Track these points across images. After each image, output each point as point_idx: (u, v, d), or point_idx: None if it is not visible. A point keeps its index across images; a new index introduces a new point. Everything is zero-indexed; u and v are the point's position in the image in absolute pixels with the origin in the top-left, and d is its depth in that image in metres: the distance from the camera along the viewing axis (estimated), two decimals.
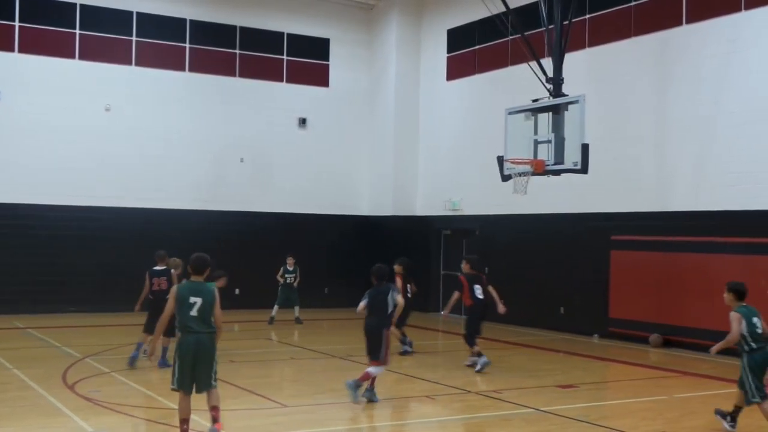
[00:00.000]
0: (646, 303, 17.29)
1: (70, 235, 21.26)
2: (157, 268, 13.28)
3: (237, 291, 20.95)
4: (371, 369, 10.78)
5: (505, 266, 20.88)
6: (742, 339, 8.99)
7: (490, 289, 14.06)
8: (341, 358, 14.71)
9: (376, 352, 10.79)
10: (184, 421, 8.05)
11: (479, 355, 13.50)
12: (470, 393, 11.57)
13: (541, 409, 10.47)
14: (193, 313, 7.99)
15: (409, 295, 15.01)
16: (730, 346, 9.21)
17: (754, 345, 8.96)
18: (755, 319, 9.06)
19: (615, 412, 10.80)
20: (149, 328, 12.64)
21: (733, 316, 9.08)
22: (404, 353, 14.87)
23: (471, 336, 13.82)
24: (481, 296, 13.88)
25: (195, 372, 8.00)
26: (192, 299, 8.00)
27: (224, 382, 11.94)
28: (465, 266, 14.23)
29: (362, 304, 10.93)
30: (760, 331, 9.03)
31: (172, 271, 13.26)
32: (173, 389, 8.20)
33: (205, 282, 8.22)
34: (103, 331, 18.04)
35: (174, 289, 8.22)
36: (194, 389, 8.11)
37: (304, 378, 12.90)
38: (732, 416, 9.36)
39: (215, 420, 8.20)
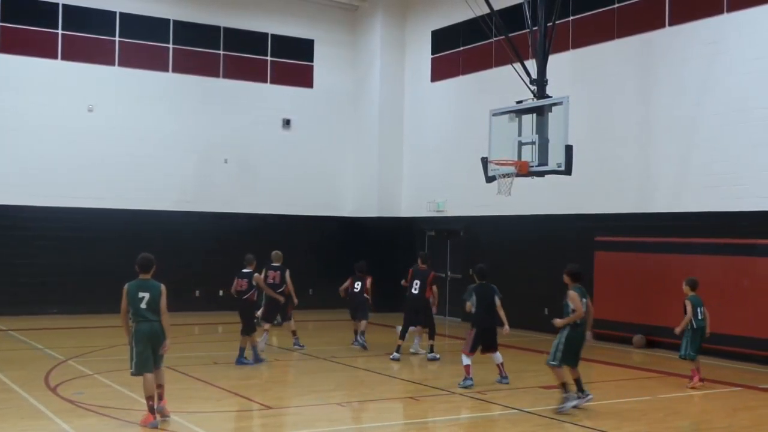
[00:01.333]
0: (630, 304, 17.37)
1: (52, 236, 21.12)
2: (244, 270, 13.90)
3: (221, 293, 20.85)
4: (497, 355, 12.32)
5: (490, 267, 20.86)
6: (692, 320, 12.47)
7: (433, 288, 14.94)
8: (326, 359, 14.68)
9: (495, 345, 12.24)
10: (150, 397, 9.12)
11: (397, 350, 14.64)
12: (455, 394, 11.57)
13: (526, 409, 10.49)
14: (143, 305, 9.27)
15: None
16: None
17: (695, 325, 12.53)
18: (700, 309, 12.55)
19: (599, 412, 10.82)
20: (247, 330, 13.81)
21: (688, 302, 12.57)
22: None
23: (402, 328, 14.87)
24: (415, 291, 14.81)
25: (153, 353, 9.29)
26: (141, 294, 9.29)
27: (209, 384, 11.90)
28: (419, 261, 15.25)
29: (469, 303, 12.16)
30: (701, 317, 12.56)
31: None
32: (134, 374, 9.27)
33: (151, 279, 9.46)
34: (85, 333, 17.92)
35: (126, 286, 9.38)
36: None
37: (289, 380, 12.86)
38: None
39: (161, 397, 9.36)
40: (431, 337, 15.06)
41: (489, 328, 12.27)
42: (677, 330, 12.56)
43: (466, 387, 11.81)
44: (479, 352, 12.24)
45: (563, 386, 10.39)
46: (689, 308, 12.44)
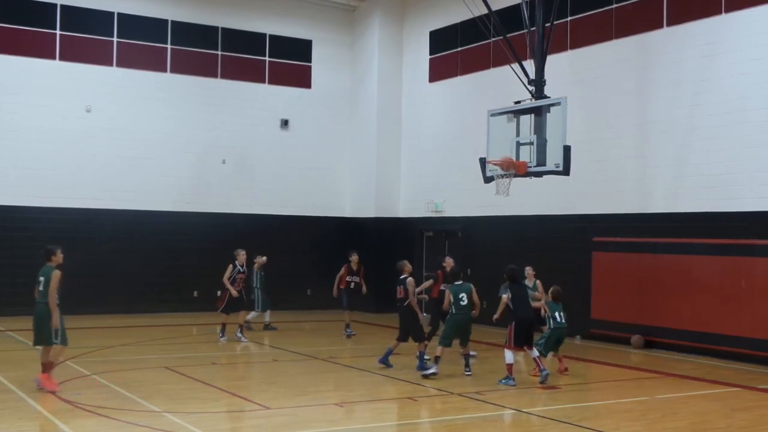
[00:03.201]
0: (628, 304, 17.38)
1: (49, 236, 20.94)
2: (401, 276, 13.67)
3: (218, 293, 20.82)
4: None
5: (488, 267, 20.90)
6: None
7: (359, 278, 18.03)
8: (324, 360, 14.68)
9: (531, 340, 12.77)
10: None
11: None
12: (452, 394, 11.56)
13: (523, 410, 10.50)
14: (41, 288, 10.99)
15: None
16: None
17: (552, 326, 13.51)
18: (558, 313, 13.55)
19: (597, 413, 10.84)
20: (418, 337, 13.71)
21: (546, 306, 13.80)
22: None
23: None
24: (351, 286, 17.90)
25: (36, 330, 11.07)
26: (39, 278, 11.04)
27: (206, 384, 11.89)
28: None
29: (505, 296, 12.82)
30: (560, 320, 13.54)
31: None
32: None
33: (48, 266, 11.07)
34: (82, 333, 17.87)
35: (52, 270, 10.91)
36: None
37: (287, 380, 12.85)
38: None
39: (44, 371, 10.94)
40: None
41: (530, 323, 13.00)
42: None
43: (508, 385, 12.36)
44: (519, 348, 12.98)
45: (436, 359, 12.66)
46: (547, 311, 13.66)
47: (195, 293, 22.47)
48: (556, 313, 13.49)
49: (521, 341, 12.66)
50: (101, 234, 21.62)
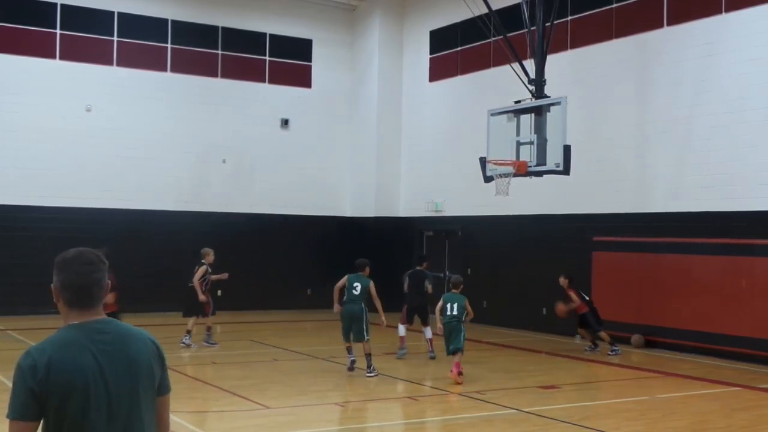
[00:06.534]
0: (628, 304, 17.39)
1: (50, 236, 21.01)
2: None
3: (219, 293, 20.83)
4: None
5: (488, 267, 20.94)
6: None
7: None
8: (324, 360, 14.69)
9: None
10: None
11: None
12: (452, 394, 11.58)
13: (524, 409, 10.50)
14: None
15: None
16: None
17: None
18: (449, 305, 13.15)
19: (597, 412, 10.85)
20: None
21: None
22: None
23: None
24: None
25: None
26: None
27: (206, 383, 11.91)
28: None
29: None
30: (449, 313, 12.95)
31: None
32: None
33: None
34: None
35: None
36: None
37: (287, 380, 12.86)
38: None
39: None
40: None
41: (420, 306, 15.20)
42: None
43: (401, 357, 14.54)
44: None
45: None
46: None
47: None
48: (448, 305, 12.55)
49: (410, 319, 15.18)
50: (101, 233, 21.59)
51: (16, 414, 3.09)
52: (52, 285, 3.35)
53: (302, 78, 24.90)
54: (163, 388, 3.44)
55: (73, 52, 21.69)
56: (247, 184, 23.82)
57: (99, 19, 21.95)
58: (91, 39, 21.97)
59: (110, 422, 3.19)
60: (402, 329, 15.18)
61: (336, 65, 25.34)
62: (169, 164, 22.68)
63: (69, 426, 3.13)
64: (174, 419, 9.29)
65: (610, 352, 15.64)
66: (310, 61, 25.06)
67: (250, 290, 21.12)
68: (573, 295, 15.97)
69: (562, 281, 16.24)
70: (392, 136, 24.73)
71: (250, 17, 24.13)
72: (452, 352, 12.37)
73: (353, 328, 12.80)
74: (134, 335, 3.37)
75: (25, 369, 3.12)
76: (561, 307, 16.15)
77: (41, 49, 21.33)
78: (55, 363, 3.12)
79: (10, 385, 3.15)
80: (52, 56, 21.50)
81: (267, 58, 24.34)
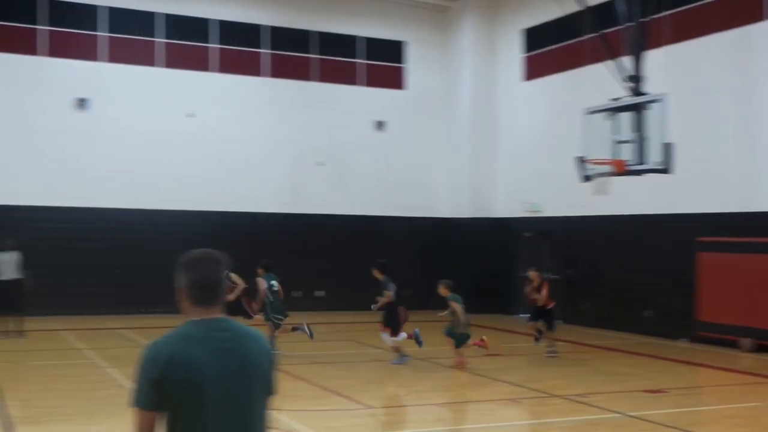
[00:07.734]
0: (737, 306, 16.75)
1: (154, 239, 21.54)
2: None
3: (316, 293, 21.19)
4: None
5: (587, 268, 20.58)
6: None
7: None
8: (425, 360, 14.67)
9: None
10: None
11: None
12: (555, 396, 11.44)
13: (629, 413, 10.29)
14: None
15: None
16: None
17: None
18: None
19: (706, 418, 10.55)
20: None
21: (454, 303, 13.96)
22: None
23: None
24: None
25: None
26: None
27: (308, 382, 12.11)
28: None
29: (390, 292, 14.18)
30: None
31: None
32: None
33: None
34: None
35: None
36: None
37: (389, 379, 12.95)
38: None
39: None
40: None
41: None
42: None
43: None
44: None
45: None
46: (458, 307, 13.88)
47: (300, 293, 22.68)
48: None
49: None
50: (206, 236, 22.04)
51: (139, 403, 3.24)
52: (176, 284, 3.44)
53: (396, 80, 25.02)
54: (271, 390, 3.52)
55: (175, 60, 22.36)
56: (342, 186, 24.04)
57: (199, 28, 22.62)
58: (192, 47, 22.61)
59: (226, 419, 3.29)
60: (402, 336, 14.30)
61: (429, 66, 25.36)
62: (269, 168, 23.11)
63: (185, 418, 3.25)
64: (277, 417, 9.50)
65: (549, 354, 15.12)
66: (404, 63, 25.16)
67: (350, 291, 21.30)
68: (546, 289, 15.40)
69: (533, 274, 15.70)
70: (487, 135, 24.58)
71: (344, 21, 24.40)
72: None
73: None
74: (251, 336, 3.47)
75: (148, 360, 3.27)
76: (532, 293, 15.55)
77: (144, 57, 22.10)
78: (176, 356, 3.25)
79: (125, 382, 3.31)
80: (155, 64, 22.23)
81: (361, 60, 24.56)
